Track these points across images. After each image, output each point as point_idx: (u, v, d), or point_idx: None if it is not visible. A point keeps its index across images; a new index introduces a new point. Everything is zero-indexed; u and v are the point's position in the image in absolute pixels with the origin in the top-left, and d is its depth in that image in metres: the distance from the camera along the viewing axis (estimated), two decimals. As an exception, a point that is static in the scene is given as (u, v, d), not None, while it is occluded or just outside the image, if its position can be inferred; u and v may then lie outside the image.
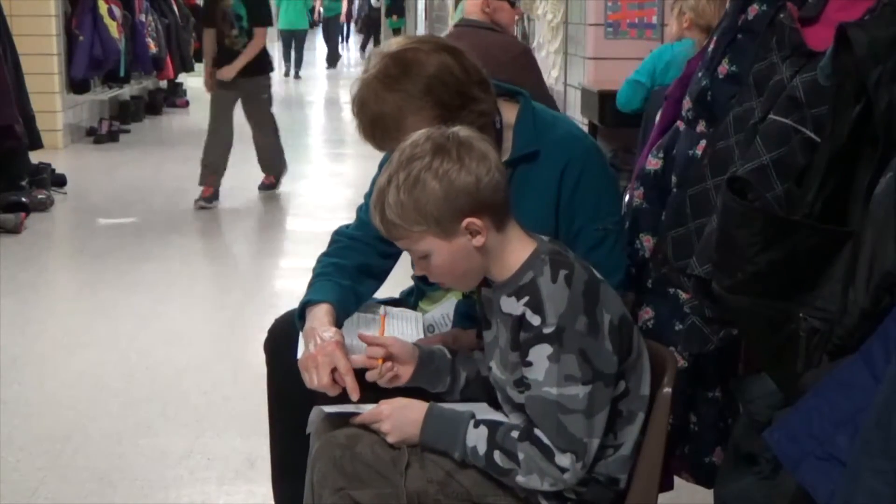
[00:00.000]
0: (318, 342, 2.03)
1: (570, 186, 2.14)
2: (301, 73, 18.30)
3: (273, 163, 7.63)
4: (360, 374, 2.01)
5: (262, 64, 7.37)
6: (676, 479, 2.46)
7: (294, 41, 18.13)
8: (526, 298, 1.79)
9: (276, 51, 22.37)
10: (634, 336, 1.89)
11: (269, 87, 7.48)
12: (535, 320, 1.78)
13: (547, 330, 1.77)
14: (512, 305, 1.82)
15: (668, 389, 1.91)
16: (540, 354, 1.78)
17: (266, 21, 7.47)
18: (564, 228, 2.15)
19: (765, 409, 2.00)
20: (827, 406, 1.52)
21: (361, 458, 1.88)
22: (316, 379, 2.00)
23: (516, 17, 4.48)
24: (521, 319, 1.80)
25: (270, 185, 7.71)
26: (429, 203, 1.79)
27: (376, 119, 2.04)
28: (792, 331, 1.68)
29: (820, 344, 1.65)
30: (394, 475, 1.87)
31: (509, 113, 2.20)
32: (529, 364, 1.79)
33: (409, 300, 2.44)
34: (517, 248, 1.86)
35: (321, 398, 2.02)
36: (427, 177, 1.79)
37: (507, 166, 2.13)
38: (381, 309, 2.29)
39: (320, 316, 2.10)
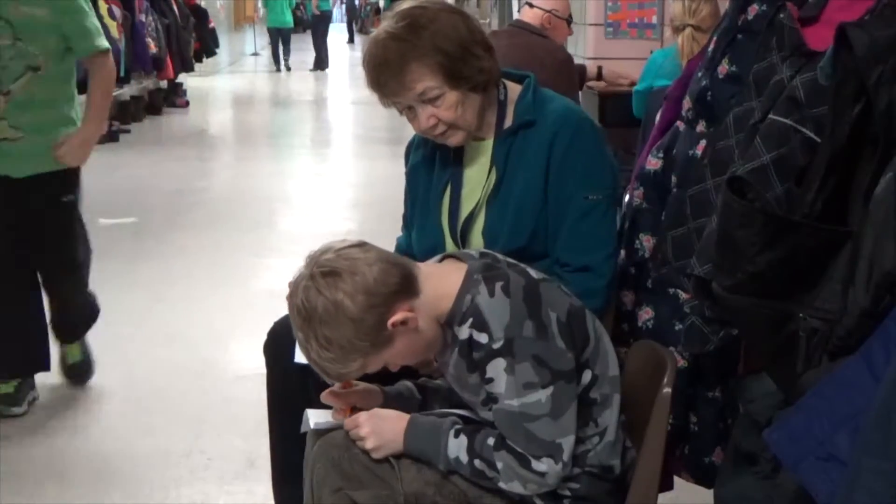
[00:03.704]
0: None
1: (560, 150, 2.18)
2: (290, 64, 19.72)
3: None
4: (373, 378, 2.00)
5: None
6: (676, 479, 2.45)
7: (280, 37, 19.60)
8: (470, 320, 1.80)
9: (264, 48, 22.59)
10: (588, 323, 1.88)
11: None
12: (483, 338, 1.78)
13: (496, 345, 1.77)
14: (461, 331, 1.82)
15: (668, 389, 1.91)
16: (496, 369, 1.78)
17: None
18: (554, 193, 2.18)
19: (765, 409, 2.00)
20: (827, 406, 1.51)
21: (359, 459, 1.89)
22: None
23: (568, 37, 4.74)
24: (470, 341, 1.80)
25: None
26: (351, 342, 1.78)
27: (381, 64, 2.12)
28: (792, 331, 1.68)
29: (820, 344, 1.64)
30: (391, 477, 1.87)
31: (514, 91, 2.28)
32: (491, 380, 1.79)
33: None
34: (446, 286, 1.85)
35: (319, 401, 2.02)
36: (331, 326, 1.77)
37: (507, 135, 2.21)
38: None
39: None
